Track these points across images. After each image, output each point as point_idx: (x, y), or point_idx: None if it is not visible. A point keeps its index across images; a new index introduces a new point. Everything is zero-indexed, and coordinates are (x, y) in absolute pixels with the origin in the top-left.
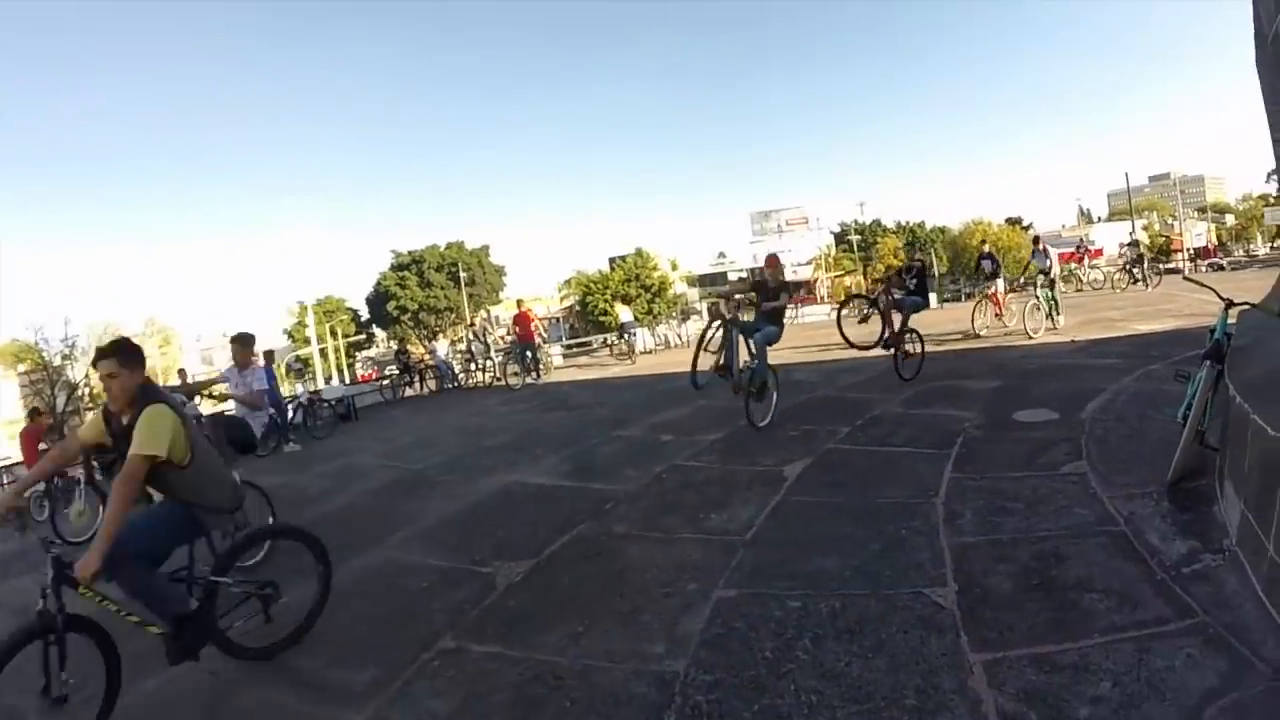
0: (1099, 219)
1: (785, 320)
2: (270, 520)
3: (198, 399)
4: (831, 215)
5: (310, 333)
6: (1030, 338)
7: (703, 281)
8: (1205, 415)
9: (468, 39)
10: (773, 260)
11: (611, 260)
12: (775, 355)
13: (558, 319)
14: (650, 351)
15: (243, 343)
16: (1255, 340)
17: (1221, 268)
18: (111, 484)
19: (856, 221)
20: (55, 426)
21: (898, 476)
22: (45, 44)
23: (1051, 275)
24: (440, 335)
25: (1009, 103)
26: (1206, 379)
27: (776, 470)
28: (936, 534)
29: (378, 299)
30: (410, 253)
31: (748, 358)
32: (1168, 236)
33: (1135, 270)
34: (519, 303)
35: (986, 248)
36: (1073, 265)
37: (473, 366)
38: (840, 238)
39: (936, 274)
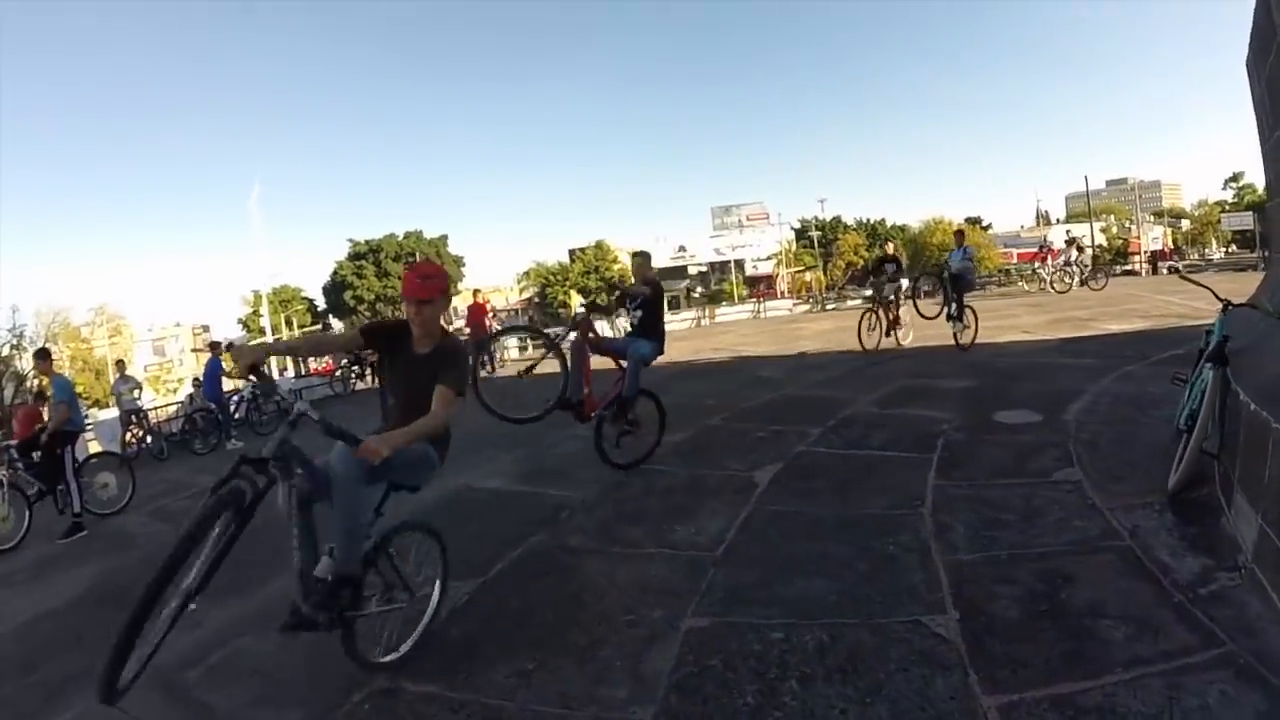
0: (1057, 220)
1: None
2: None
3: (138, 392)
4: (792, 211)
5: (265, 322)
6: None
7: (662, 275)
8: (1212, 422)
9: (427, 28)
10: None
11: (572, 252)
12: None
13: (516, 310)
14: None
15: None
16: (1255, 341)
17: (1177, 270)
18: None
19: (817, 218)
20: (2, 420)
21: (878, 483)
22: None
23: (961, 275)
24: None
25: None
26: (1213, 383)
27: (746, 476)
28: (928, 551)
29: (334, 288)
30: (368, 242)
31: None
32: (1125, 239)
33: (1069, 269)
34: (475, 293)
35: (890, 248)
36: (1035, 265)
37: None
38: (801, 234)
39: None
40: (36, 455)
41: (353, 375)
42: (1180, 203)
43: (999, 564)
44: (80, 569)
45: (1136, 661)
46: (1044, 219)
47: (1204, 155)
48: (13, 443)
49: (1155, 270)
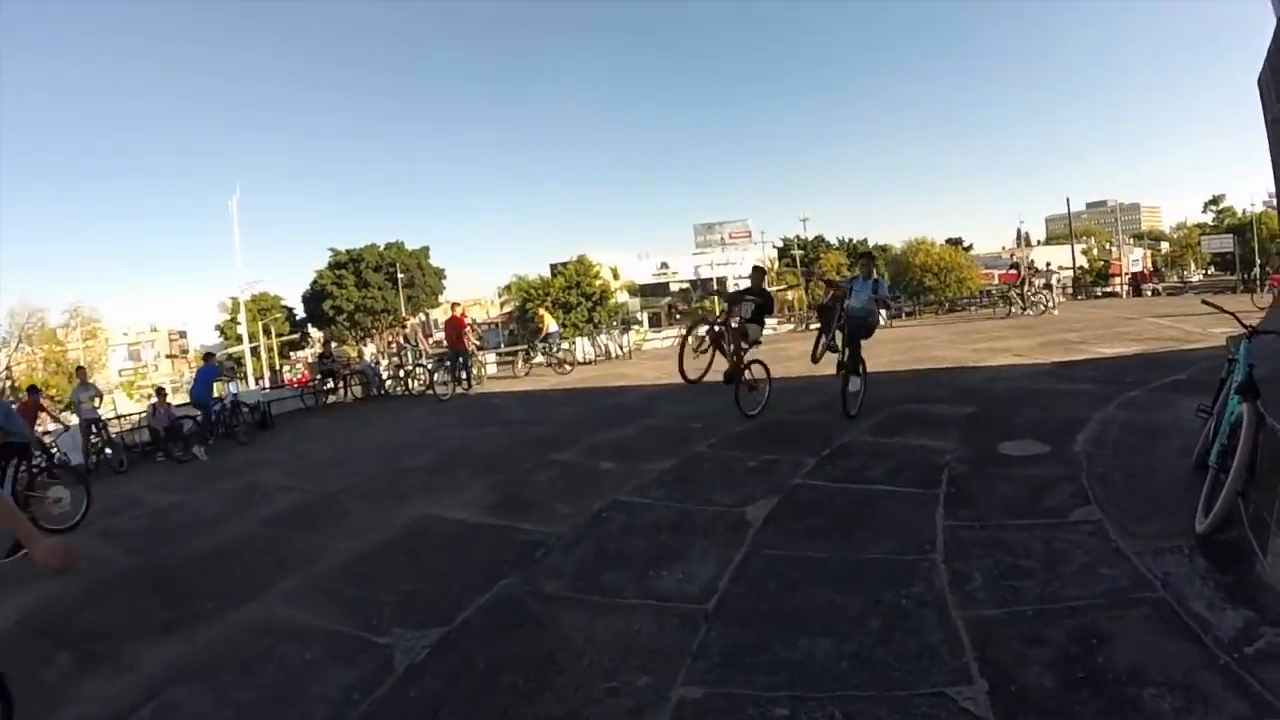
0: (1038, 241)
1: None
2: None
3: (98, 400)
4: (775, 230)
5: (242, 330)
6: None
7: (644, 292)
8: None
9: (412, 41)
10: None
11: (553, 267)
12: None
13: (497, 324)
14: (590, 362)
15: None
16: (1276, 370)
17: (1158, 292)
18: None
19: (799, 237)
20: None
21: (882, 523)
22: None
23: (862, 318)
24: (375, 337)
25: (953, 126)
26: (1249, 419)
27: (738, 512)
28: (944, 604)
29: (314, 297)
30: (348, 251)
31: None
32: (1106, 261)
33: (1017, 294)
34: (454, 306)
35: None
36: (1009, 287)
37: (401, 373)
38: (783, 252)
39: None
40: None
41: (326, 389)
42: (1159, 225)
43: (1026, 621)
44: (20, 595)
45: None
46: (1025, 240)
47: (1187, 177)
48: None
49: (1138, 292)
